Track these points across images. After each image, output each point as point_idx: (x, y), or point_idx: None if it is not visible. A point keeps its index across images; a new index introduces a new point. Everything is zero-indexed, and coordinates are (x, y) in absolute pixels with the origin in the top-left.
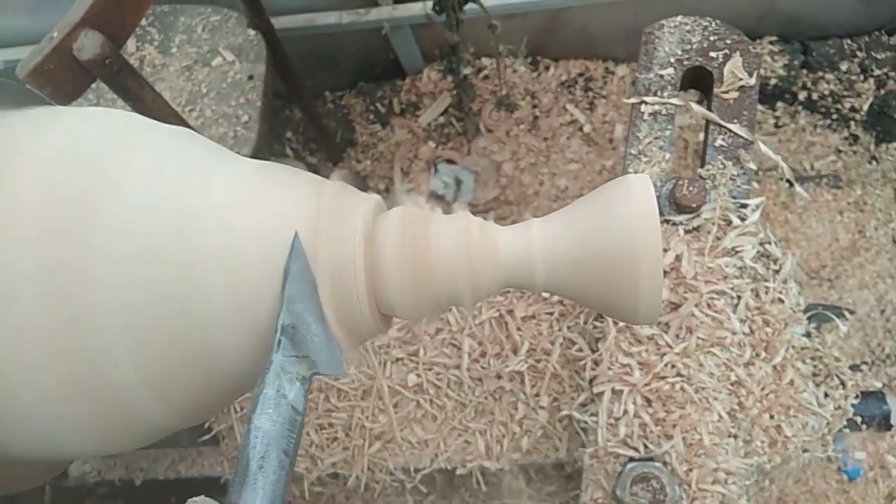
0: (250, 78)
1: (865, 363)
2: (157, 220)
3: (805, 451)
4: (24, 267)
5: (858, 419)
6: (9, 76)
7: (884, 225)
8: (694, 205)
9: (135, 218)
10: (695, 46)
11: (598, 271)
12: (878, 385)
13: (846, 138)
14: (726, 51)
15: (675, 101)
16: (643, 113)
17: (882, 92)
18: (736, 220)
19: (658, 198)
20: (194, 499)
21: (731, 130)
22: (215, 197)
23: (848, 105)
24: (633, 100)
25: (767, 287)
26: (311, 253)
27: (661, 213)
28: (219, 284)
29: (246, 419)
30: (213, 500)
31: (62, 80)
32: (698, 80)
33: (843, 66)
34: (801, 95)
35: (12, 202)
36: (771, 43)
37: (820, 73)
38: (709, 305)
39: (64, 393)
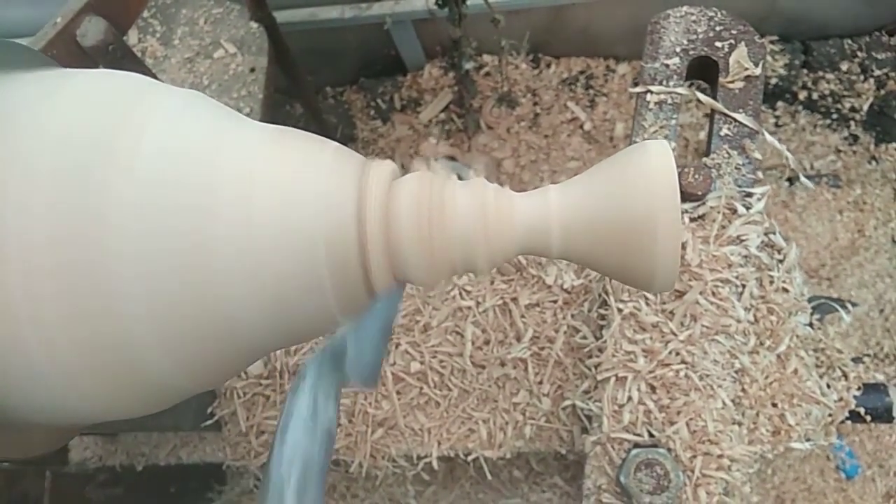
0: (252, 70)
1: (868, 355)
2: (172, 191)
3: (808, 439)
4: (38, 220)
5: (862, 410)
6: None
7: (883, 224)
8: (699, 192)
9: (148, 191)
10: (700, 36)
11: (616, 237)
12: (881, 378)
13: (846, 138)
14: (732, 41)
15: (680, 90)
16: (648, 102)
17: (882, 92)
18: (741, 209)
19: None
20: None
21: (736, 120)
22: (230, 166)
23: (848, 105)
24: (638, 89)
25: (772, 276)
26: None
27: None
28: (233, 253)
29: (278, 433)
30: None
31: (65, 65)
32: (704, 70)
33: (844, 66)
34: (802, 95)
35: (24, 171)
36: (772, 42)
37: (820, 73)
38: (713, 293)
39: (79, 354)
